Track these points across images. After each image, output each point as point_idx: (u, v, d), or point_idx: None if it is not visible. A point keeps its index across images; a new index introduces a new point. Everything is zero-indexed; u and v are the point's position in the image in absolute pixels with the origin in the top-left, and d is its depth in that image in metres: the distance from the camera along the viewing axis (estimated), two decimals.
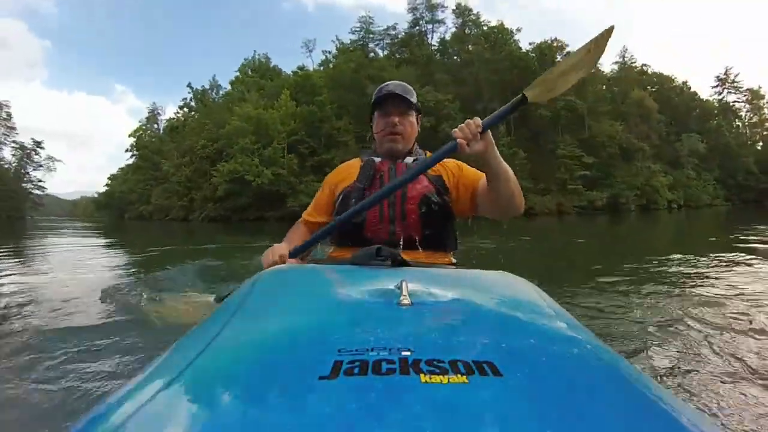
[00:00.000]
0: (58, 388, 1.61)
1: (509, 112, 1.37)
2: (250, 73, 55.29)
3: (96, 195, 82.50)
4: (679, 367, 1.79)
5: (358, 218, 1.45)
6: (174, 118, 59.30)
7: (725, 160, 51.48)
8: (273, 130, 39.10)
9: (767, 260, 4.98)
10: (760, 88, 58.58)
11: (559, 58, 47.29)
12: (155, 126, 64.59)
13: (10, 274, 4.84)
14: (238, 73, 56.31)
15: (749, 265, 4.70)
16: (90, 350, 2.00)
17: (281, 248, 1.41)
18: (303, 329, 0.65)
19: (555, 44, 47.94)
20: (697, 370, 1.75)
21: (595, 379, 0.54)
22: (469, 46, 45.29)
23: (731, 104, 58.58)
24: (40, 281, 4.37)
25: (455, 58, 46.73)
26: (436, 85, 41.37)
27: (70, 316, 2.71)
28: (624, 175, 42.04)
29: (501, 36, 46.09)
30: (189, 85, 60.02)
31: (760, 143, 57.58)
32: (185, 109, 58.52)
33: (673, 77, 57.20)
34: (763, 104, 58.43)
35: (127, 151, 62.32)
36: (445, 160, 1.51)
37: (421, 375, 0.46)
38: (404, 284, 0.75)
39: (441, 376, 0.45)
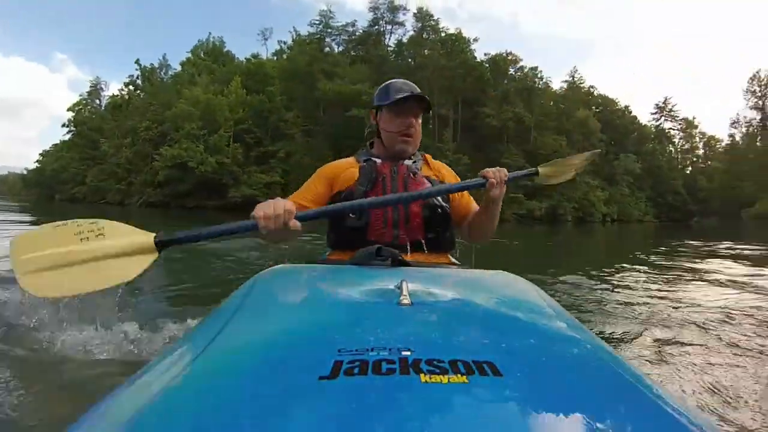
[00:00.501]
0: None
1: (522, 177, 1.58)
2: (202, 55, 53.68)
3: (25, 171, 77.47)
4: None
5: (358, 221, 1.46)
6: (118, 95, 56.14)
7: (657, 181, 55.10)
8: (221, 117, 38.49)
9: (691, 271, 5.94)
10: (694, 118, 63.61)
11: (512, 71, 49.19)
12: (97, 102, 60.81)
13: None
14: (190, 55, 54.48)
15: (676, 272, 5.72)
16: None
17: (287, 203, 1.16)
18: (303, 329, 0.66)
19: (509, 57, 49.55)
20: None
21: (595, 379, 0.54)
22: (425, 51, 46.01)
23: (667, 131, 62.71)
24: None
25: (410, 61, 47.33)
26: None
27: None
28: (563, 188, 43.80)
29: (458, 44, 47.03)
30: (137, 62, 56.90)
31: (689, 168, 62.23)
32: (131, 87, 55.83)
33: (616, 101, 60.51)
34: (695, 133, 63.07)
35: (63, 126, 58.26)
36: (447, 172, 1.67)
37: (421, 375, 0.46)
38: (404, 284, 0.76)
39: (441, 376, 0.45)
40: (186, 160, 35.78)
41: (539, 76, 51.64)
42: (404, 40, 48.08)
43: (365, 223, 1.45)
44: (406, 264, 1.10)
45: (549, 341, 0.66)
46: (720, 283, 4.82)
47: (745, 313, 3.33)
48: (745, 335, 2.74)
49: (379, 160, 1.59)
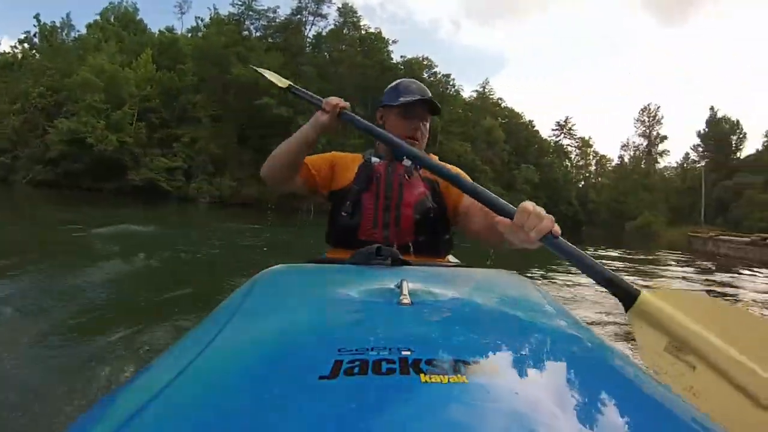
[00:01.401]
0: None
1: (588, 272, 0.92)
2: (112, 20, 50.61)
3: None
4: None
5: (350, 219, 1.48)
6: (9, 53, 51.52)
7: (552, 192, 60.31)
8: (126, 92, 36.69)
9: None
10: (589, 138, 70.00)
11: (426, 74, 51.69)
12: None
13: None
14: (98, 17, 51.18)
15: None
16: None
17: (342, 101, 1.43)
18: (303, 329, 0.66)
19: (424, 62, 52.21)
20: None
21: (596, 378, 0.54)
22: (343, 46, 47.08)
23: (565, 147, 68.88)
24: None
25: (326, 54, 48.22)
26: (301, 77, 42.41)
27: None
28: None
29: (376, 43, 48.56)
30: (36, 17, 52.90)
31: (582, 182, 68.76)
32: (25, 45, 51.60)
33: (522, 114, 65.49)
34: (590, 151, 69.73)
35: None
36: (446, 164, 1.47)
37: (421, 375, 0.46)
38: (404, 283, 0.77)
39: (441, 376, 0.46)
40: (84, 135, 33.09)
41: (451, 83, 54.76)
42: (324, 33, 48.80)
43: (357, 223, 1.47)
44: (406, 263, 1.10)
45: (550, 340, 0.67)
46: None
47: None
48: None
49: (377, 160, 1.57)
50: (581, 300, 4.75)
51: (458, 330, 0.64)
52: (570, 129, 68.74)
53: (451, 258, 1.63)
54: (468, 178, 1.30)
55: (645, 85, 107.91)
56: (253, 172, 36.48)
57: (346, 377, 0.46)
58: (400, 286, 0.76)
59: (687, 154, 62.00)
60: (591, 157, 70.08)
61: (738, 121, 57.00)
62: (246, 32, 47.83)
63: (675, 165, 64.42)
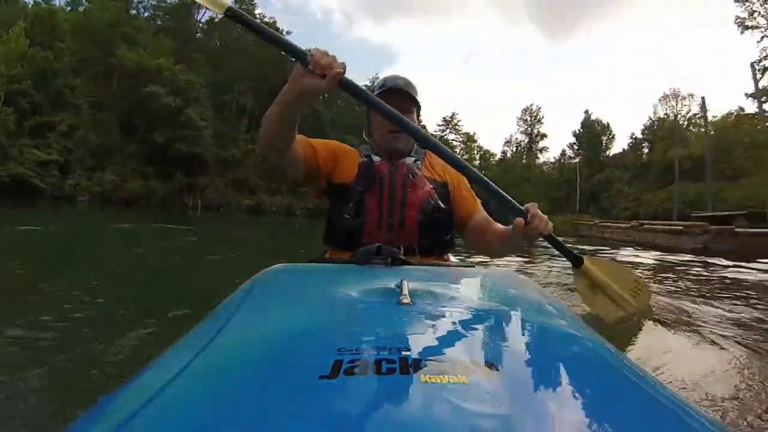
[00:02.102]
0: None
1: (561, 250, 1.45)
2: None
3: None
4: None
5: (353, 221, 1.45)
6: None
7: None
8: None
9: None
10: (474, 133, 76.07)
11: None
12: None
13: None
14: None
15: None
16: None
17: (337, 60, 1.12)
18: (303, 328, 0.66)
19: None
20: None
21: (597, 378, 0.55)
22: (235, 35, 47.11)
23: (450, 141, 73.56)
24: None
25: (217, 42, 48.18)
26: (191, 64, 42.22)
27: None
28: None
29: None
30: None
31: None
32: None
33: None
34: (474, 146, 75.54)
35: None
36: (453, 170, 1.53)
37: (422, 374, 0.46)
38: (404, 283, 0.78)
39: (441, 376, 0.46)
40: None
41: None
42: (217, 19, 48.35)
43: (360, 225, 1.44)
44: (406, 263, 1.11)
45: (550, 340, 0.68)
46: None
47: None
48: None
49: (378, 158, 1.54)
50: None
51: (458, 330, 0.65)
52: (456, 124, 74.06)
53: (451, 258, 1.65)
54: (462, 183, 1.54)
55: (528, 88, 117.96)
56: (138, 165, 36.04)
57: (346, 377, 0.46)
58: (400, 286, 0.77)
59: (564, 150, 67.93)
60: (475, 151, 75.79)
61: (608, 124, 64.27)
62: (134, 11, 46.38)
63: (553, 160, 70.72)
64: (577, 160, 61.82)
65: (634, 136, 59.60)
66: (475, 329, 0.66)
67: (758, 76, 33.94)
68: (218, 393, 0.47)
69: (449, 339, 0.61)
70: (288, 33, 51.17)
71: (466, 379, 0.46)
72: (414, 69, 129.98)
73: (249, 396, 0.46)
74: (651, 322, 2.54)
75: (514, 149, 72.85)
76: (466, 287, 0.91)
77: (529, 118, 71.02)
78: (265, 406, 0.44)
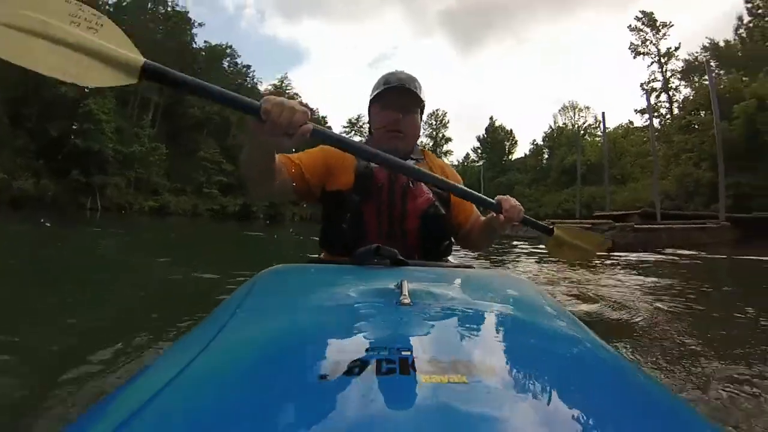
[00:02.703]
0: None
1: (536, 228, 1.54)
2: None
3: None
4: None
5: (353, 231, 1.40)
6: None
7: None
8: None
9: None
10: None
11: (226, 64, 51.84)
12: None
13: None
14: None
15: None
16: None
17: (300, 105, 0.98)
18: (303, 329, 0.67)
19: (227, 50, 52.33)
20: None
21: (596, 379, 0.55)
22: (145, 20, 43.96)
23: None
24: None
25: (124, 28, 44.51)
26: None
27: None
28: None
29: (180, 24, 46.53)
30: None
31: None
32: None
33: (315, 110, 69.79)
34: None
35: None
36: (450, 172, 1.64)
37: (421, 375, 0.47)
38: (404, 283, 0.78)
39: (441, 376, 0.46)
40: None
41: (251, 75, 55.86)
42: (125, 3, 44.05)
43: (359, 237, 1.38)
44: (406, 263, 1.11)
45: (549, 341, 0.68)
46: None
47: None
48: None
49: (374, 166, 1.45)
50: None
51: (458, 330, 0.66)
52: (361, 127, 75.33)
53: (450, 258, 1.65)
54: (457, 181, 1.53)
55: (436, 95, 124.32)
56: (30, 161, 32.31)
57: (346, 377, 0.46)
58: (399, 286, 0.78)
59: (468, 154, 71.44)
60: None
61: (511, 130, 69.32)
62: None
63: (456, 163, 72.97)
64: (480, 163, 65.49)
65: (535, 142, 65.10)
66: (475, 329, 0.68)
67: (646, 95, 40.98)
68: (218, 393, 0.48)
69: (449, 339, 0.63)
70: (200, 25, 49.41)
71: (466, 379, 0.46)
72: (323, 69, 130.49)
73: (249, 396, 0.46)
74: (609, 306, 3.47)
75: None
76: (466, 288, 0.91)
77: (434, 122, 74.25)
78: (266, 406, 0.44)
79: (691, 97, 32.71)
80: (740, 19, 35.86)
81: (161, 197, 39.32)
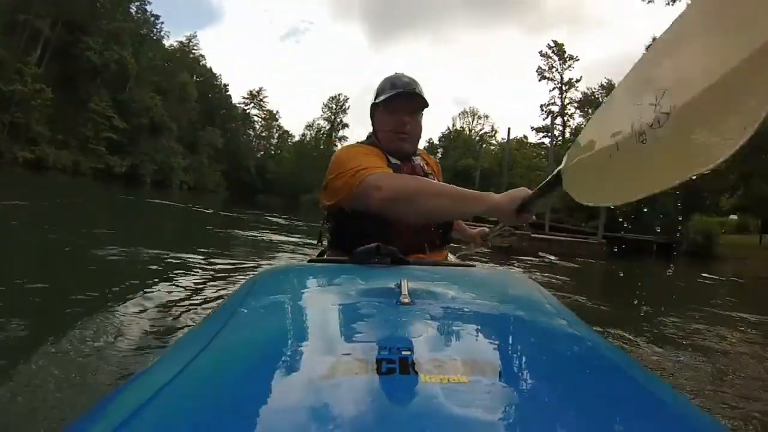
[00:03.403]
0: None
1: (545, 190, 1.12)
2: None
3: None
4: None
5: (377, 234, 1.24)
6: None
7: (234, 158, 64.25)
8: None
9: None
10: (277, 112, 77.10)
11: (133, 9, 47.43)
12: None
13: None
14: None
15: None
16: None
17: (523, 192, 1.15)
18: (302, 328, 0.68)
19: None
20: None
21: (597, 378, 0.55)
22: None
23: (252, 116, 73.86)
24: None
25: None
26: None
27: None
28: (148, 148, 45.82)
29: None
30: None
31: (261, 152, 74.90)
32: None
33: (219, 76, 67.46)
34: (275, 125, 76.61)
35: None
36: (436, 167, 1.71)
37: (422, 374, 0.47)
38: (404, 283, 0.77)
39: (441, 376, 0.46)
40: None
41: (158, 27, 51.93)
42: None
43: (384, 236, 1.23)
44: (406, 262, 1.10)
45: (551, 340, 0.68)
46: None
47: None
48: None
49: (398, 162, 1.50)
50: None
51: (458, 329, 0.66)
52: (261, 100, 73.96)
53: (451, 257, 1.64)
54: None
55: (341, 80, 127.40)
56: None
57: (345, 376, 0.47)
58: (400, 286, 0.77)
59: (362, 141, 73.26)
60: (275, 130, 76.85)
61: None
62: None
63: None
64: None
65: (430, 141, 67.70)
66: (476, 329, 0.68)
67: (544, 115, 44.61)
68: (218, 393, 0.48)
69: (449, 339, 0.63)
70: None
71: (467, 379, 0.46)
72: (232, 33, 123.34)
73: (249, 396, 0.47)
74: None
75: (314, 133, 75.65)
76: (466, 287, 0.90)
77: (334, 106, 74.38)
78: (266, 406, 0.44)
79: (584, 126, 36.58)
80: None
81: (39, 149, 34.84)
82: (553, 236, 17.26)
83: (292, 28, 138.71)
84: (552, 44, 48.14)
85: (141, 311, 2.71)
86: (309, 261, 1.43)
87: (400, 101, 1.51)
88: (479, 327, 0.68)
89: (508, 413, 0.42)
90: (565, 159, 1.01)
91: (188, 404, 0.47)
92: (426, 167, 1.62)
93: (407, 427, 0.39)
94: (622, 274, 10.64)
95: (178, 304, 3.01)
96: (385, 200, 1.23)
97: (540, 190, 1.14)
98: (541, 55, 48.09)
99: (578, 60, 47.91)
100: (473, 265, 1.37)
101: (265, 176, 68.71)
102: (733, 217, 34.78)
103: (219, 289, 3.61)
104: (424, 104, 1.55)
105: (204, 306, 3.05)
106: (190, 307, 2.96)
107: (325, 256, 1.57)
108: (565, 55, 47.61)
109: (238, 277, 4.16)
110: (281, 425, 0.40)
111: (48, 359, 1.88)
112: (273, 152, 76.30)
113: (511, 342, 0.63)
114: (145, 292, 3.14)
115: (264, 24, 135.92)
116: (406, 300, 0.71)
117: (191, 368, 0.55)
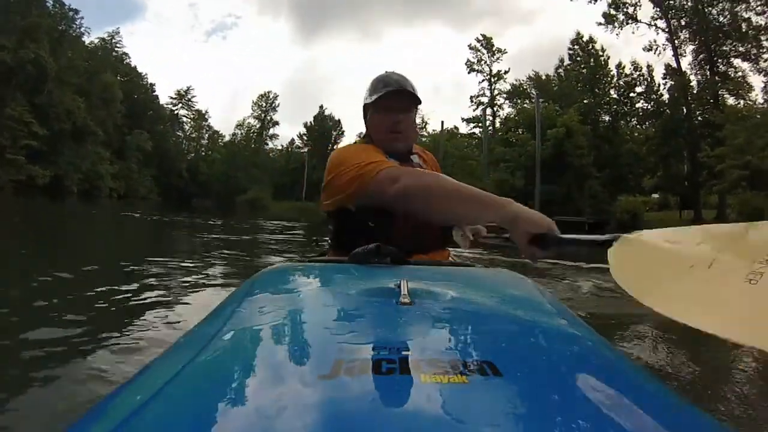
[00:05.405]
0: None
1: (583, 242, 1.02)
2: None
3: None
4: None
5: (380, 233, 1.25)
6: None
7: (164, 161, 62.02)
8: None
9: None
10: (206, 111, 74.77)
11: (49, 2, 43.88)
12: None
13: None
14: None
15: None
16: None
17: (548, 221, 1.06)
18: (302, 328, 0.68)
19: None
20: None
21: (597, 378, 0.55)
22: None
23: (180, 117, 71.38)
24: None
25: None
26: None
27: None
28: (72, 156, 43.51)
29: None
30: None
31: (192, 154, 72.49)
32: None
33: (144, 75, 64.87)
34: (205, 125, 74.40)
35: None
36: (432, 162, 1.70)
37: (421, 374, 0.47)
38: (404, 283, 0.78)
39: (441, 376, 0.46)
40: None
41: (78, 22, 49.34)
42: None
43: (386, 236, 1.24)
44: (406, 262, 1.11)
45: (551, 340, 0.69)
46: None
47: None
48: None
49: (396, 161, 1.46)
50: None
51: (458, 329, 0.67)
52: (190, 100, 71.51)
53: (451, 257, 1.65)
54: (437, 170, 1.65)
55: (268, 77, 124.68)
56: None
57: (345, 376, 0.47)
58: (399, 286, 0.78)
59: (293, 140, 70.88)
60: (204, 131, 74.52)
61: (340, 120, 70.52)
62: None
63: (281, 148, 73.88)
64: (305, 150, 66.34)
65: (361, 134, 67.39)
66: (476, 329, 0.68)
67: (474, 106, 47.15)
68: (218, 392, 0.48)
69: (449, 339, 0.63)
70: None
71: (467, 379, 0.47)
72: (157, 30, 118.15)
73: (249, 395, 0.47)
74: None
75: (244, 133, 73.85)
76: (466, 287, 0.91)
77: (264, 104, 72.85)
78: (265, 405, 0.44)
79: (514, 116, 39.30)
80: (561, 60, 42.60)
81: None
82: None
83: (218, 23, 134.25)
84: (480, 37, 50.65)
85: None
86: (309, 261, 1.47)
87: (391, 100, 1.52)
88: (479, 327, 0.70)
89: (508, 413, 0.43)
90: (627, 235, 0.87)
91: (188, 404, 0.47)
92: (424, 165, 1.65)
93: (407, 428, 0.40)
94: None
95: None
96: (404, 193, 1.22)
97: (577, 240, 1.01)
98: (470, 48, 50.53)
99: (506, 53, 50.67)
100: (473, 265, 1.41)
101: (197, 179, 66.81)
102: (655, 195, 37.77)
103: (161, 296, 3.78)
104: (417, 101, 1.57)
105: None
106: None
107: (326, 257, 1.59)
108: (494, 48, 50.17)
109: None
110: (281, 425, 0.40)
111: None
112: (204, 154, 74.17)
113: (511, 342, 0.64)
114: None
115: (189, 18, 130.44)
116: (406, 300, 0.72)
117: (191, 367, 0.55)
